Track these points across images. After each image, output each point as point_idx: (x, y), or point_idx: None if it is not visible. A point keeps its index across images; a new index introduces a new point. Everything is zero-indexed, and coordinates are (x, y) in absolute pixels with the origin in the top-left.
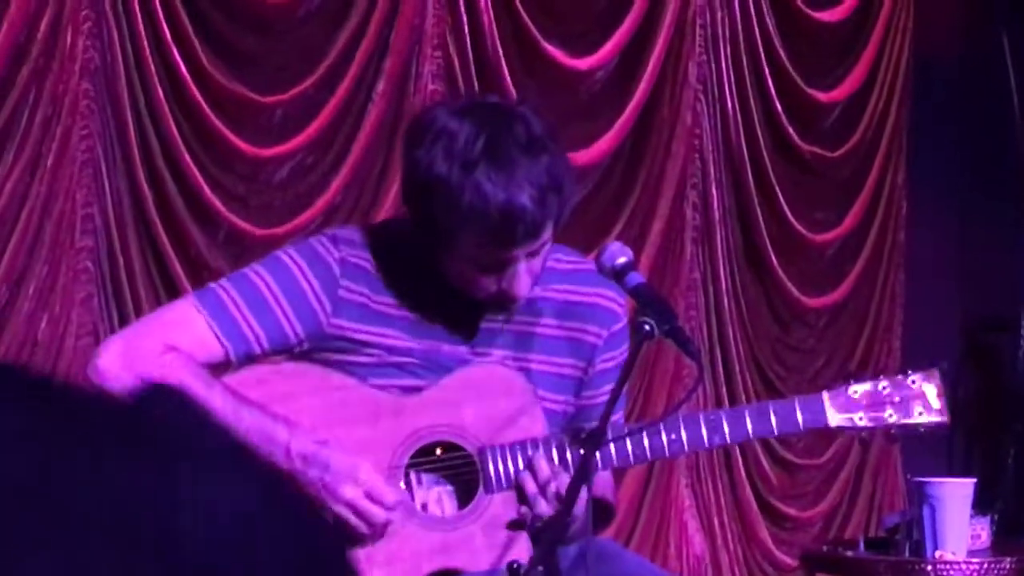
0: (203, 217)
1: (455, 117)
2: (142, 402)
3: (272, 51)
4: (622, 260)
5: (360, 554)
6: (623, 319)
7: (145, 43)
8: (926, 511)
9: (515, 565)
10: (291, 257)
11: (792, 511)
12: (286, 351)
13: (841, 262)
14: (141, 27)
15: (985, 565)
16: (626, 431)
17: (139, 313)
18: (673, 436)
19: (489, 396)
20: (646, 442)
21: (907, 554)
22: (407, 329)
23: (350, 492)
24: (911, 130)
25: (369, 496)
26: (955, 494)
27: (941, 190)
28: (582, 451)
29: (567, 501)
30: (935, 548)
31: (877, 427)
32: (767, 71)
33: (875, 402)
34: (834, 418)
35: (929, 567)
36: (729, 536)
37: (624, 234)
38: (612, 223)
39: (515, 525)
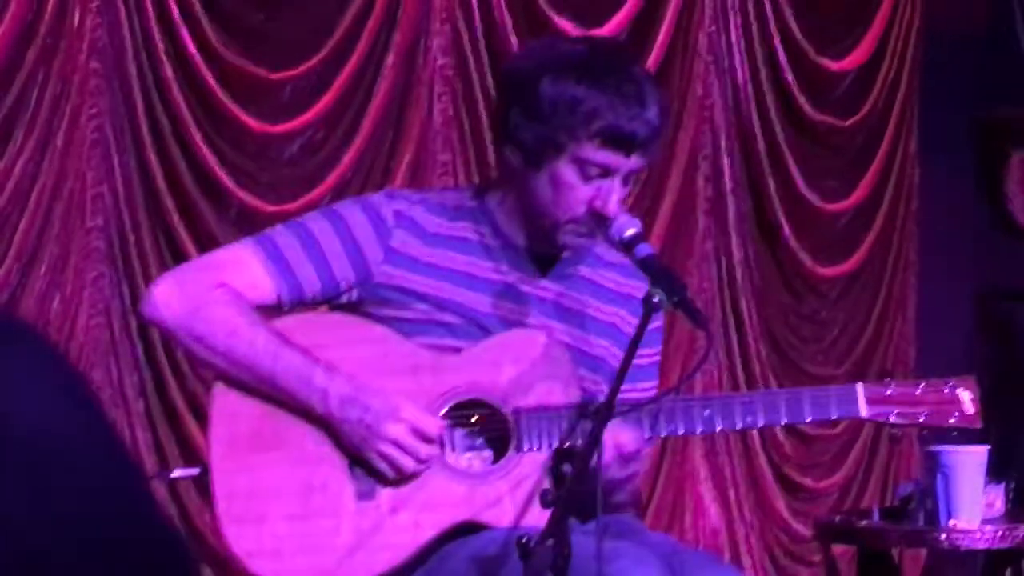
0: (213, 194)
1: (568, 42)
2: (188, 331)
3: (280, 27)
4: (631, 231)
5: (387, 498)
6: (660, 319)
7: (153, 21)
8: (940, 479)
9: (524, 539)
10: (346, 207)
11: (807, 481)
12: (335, 298)
13: (854, 232)
14: (148, 4)
15: (999, 533)
16: (661, 403)
17: None
18: (707, 413)
19: (528, 361)
20: (679, 419)
21: (921, 523)
22: (456, 284)
23: (394, 429)
24: (923, 98)
25: (414, 432)
26: (969, 462)
27: (954, 158)
28: (594, 422)
29: (578, 472)
30: (949, 516)
31: (909, 425)
32: (777, 41)
33: (910, 401)
34: (866, 411)
35: (943, 535)
36: (745, 507)
37: (635, 206)
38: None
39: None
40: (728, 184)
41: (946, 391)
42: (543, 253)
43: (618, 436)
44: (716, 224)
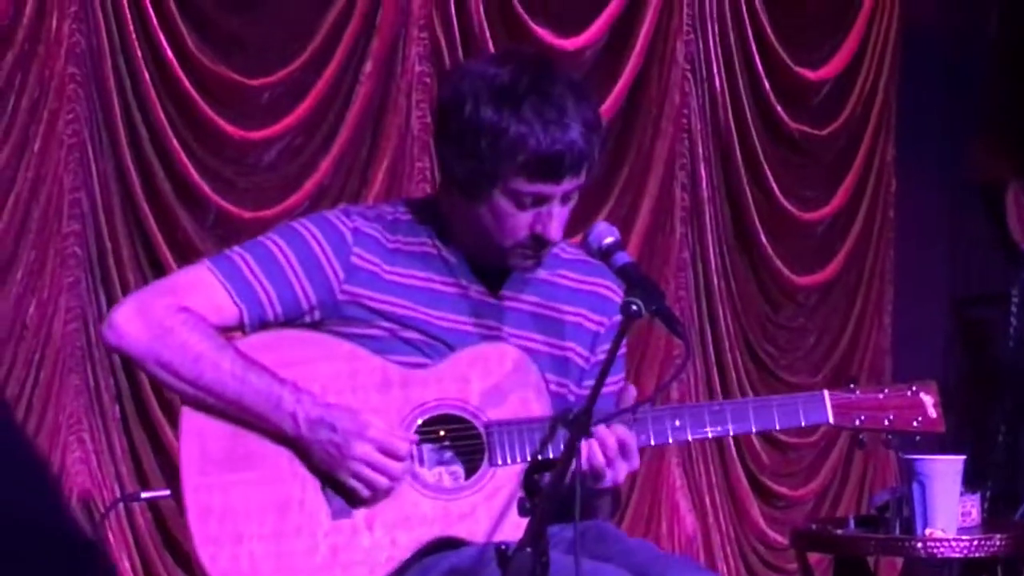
0: (191, 200)
1: (494, 63)
2: (154, 358)
3: (258, 33)
4: (609, 240)
5: (361, 516)
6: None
7: (131, 26)
8: (916, 488)
9: (503, 548)
10: (304, 226)
11: (784, 490)
12: (298, 318)
13: (831, 240)
14: (127, 10)
15: (975, 542)
16: (630, 412)
17: None
18: (677, 423)
19: (497, 373)
20: (650, 427)
21: (897, 532)
22: (418, 302)
23: (362, 448)
24: (900, 107)
25: (382, 450)
26: (945, 471)
27: (931, 166)
28: (571, 432)
29: (554, 480)
30: (925, 525)
31: (875, 430)
32: (755, 49)
33: (875, 407)
34: (833, 417)
35: (919, 544)
36: (721, 515)
37: (612, 214)
38: (601, 203)
39: (519, 501)
40: (705, 192)
41: (909, 395)
42: (498, 264)
43: (616, 432)
44: (693, 232)
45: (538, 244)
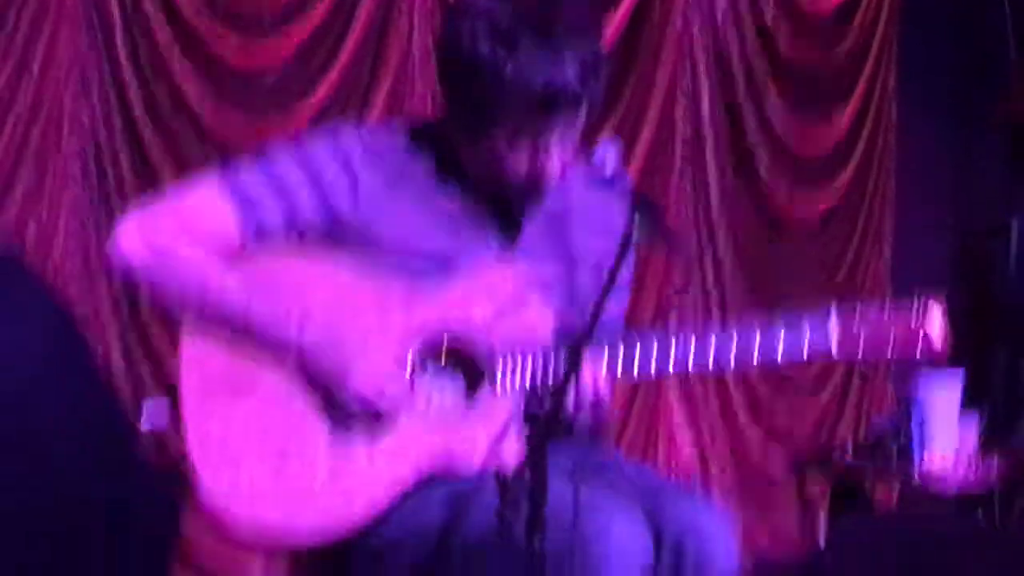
0: (190, 122)
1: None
2: (156, 278)
3: None
4: (611, 160)
5: (361, 445)
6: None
7: None
8: (913, 415)
9: (502, 472)
10: (313, 145)
11: (781, 419)
12: (302, 236)
13: (831, 169)
14: None
15: (972, 466)
16: (634, 340)
17: None
18: (679, 353)
19: (499, 296)
20: (653, 356)
21: (895, 456)
22: (423, 226)
23: (359, 380)
24: (902, 33)
25: (378, 383)
26: (941, 397)
27: (932, 95)
28: (573, 351)
29: (555, 401)
30: (923, 446)
31: (879, 359)
32: None
33: (878, 331)
34: (836, 351)
35: (916, 468)
36: (718, 441)
37: (613, 137)
38: (600, 130)
39: (519, 424)
40: (706, 119)
41: (913, 311)
42: (502, 193)
43: (592, 374)
44: (693, 160)
45: (539, 182)
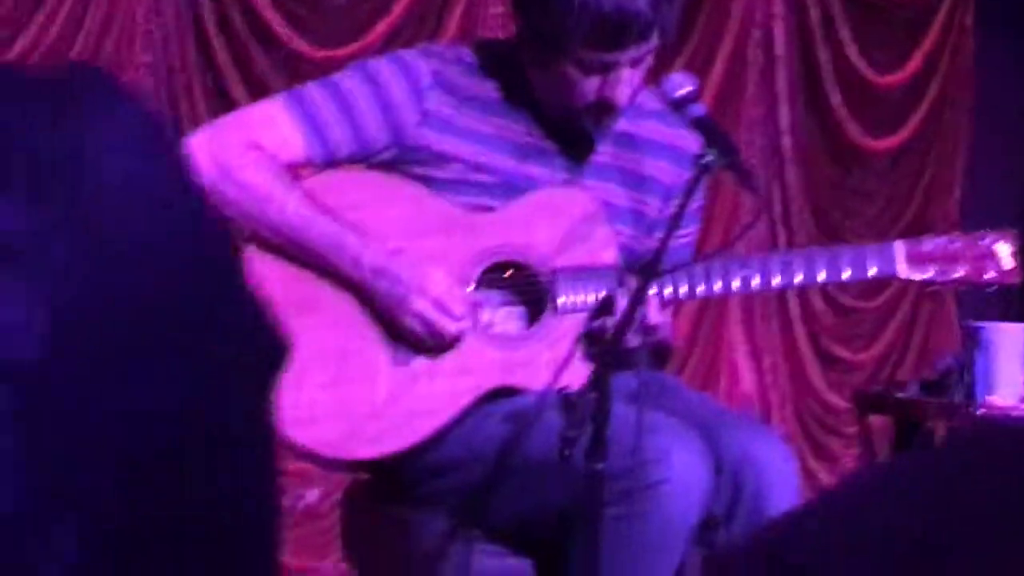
0: (263, 37)
1: None
2: (221, 195)
3: None
4: (686, 90)
5: (422, 365)
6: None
7: None
8: (979, 355)
9: (566, 392)
10: (381, 65)
11: (844, 353)
12: (368, 158)
13: (905, 104)
14: None
15: None
16: (697, 265)
17: None
18: (744, 273)
19: (563, 218)
20: (717, 276)
21: (958, 397)
22: (491, 147)
23: (420, 304)
24: None
25: (439, 307)
26: (1009, 338)
27: (1010, 32)
28: (639, 278)
29: (621, 329)
30: (986, 392)
31: (946, 282)
32: None
33: (947, 257)
34: (904, 270)
35: (980, 411)
36: (780, 375)
37: (686, 67)
38: (673, 57)
39: (580, 346)
40: (779, 52)
41: (984, 244)
42: (572, 120)
43: (657, 301)
44: (765, 92)
45: (607, 108)
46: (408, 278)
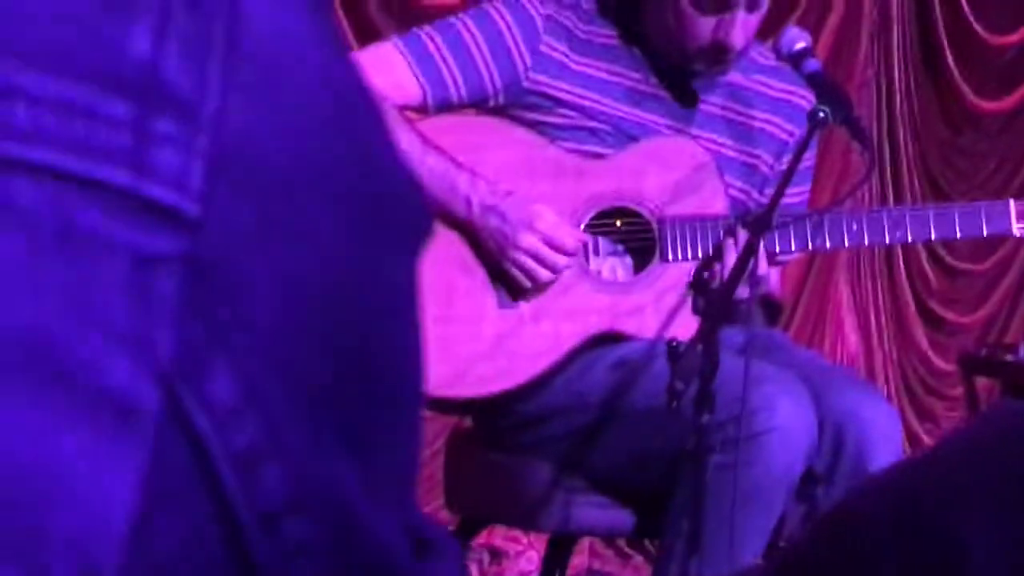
0: None
1: None
2: None
3: None
4: (800, 45)
5: (528, 307)
6: (814, 153)
7: None
8: None
9: (674, 343)
10: (496, 9)
11: (950, 315)
12: (482, 102)
13: (1019, 67)
14: None
15: None
16: (807, 218)
17: None
18: (855, 227)
19: (674, 168)
20: (827, 230)
21: None
22: (604, 93)
23: (529, 239)
24: None
25: (549, 243)
26: None
27: None
28: (750, 232)
29: (731, 281)
30: None
31: None
32: None
33: None
34: (1018, 228)
35: None
36: (885, 336)
37: (799, 23)
38: (787, 14)
39: (688, 297)
40: (894, 9)
41: None
42: (687, 65)
43: (767, 255)
44: (879, 50)
45: (721, 50)
46: (517, 215)
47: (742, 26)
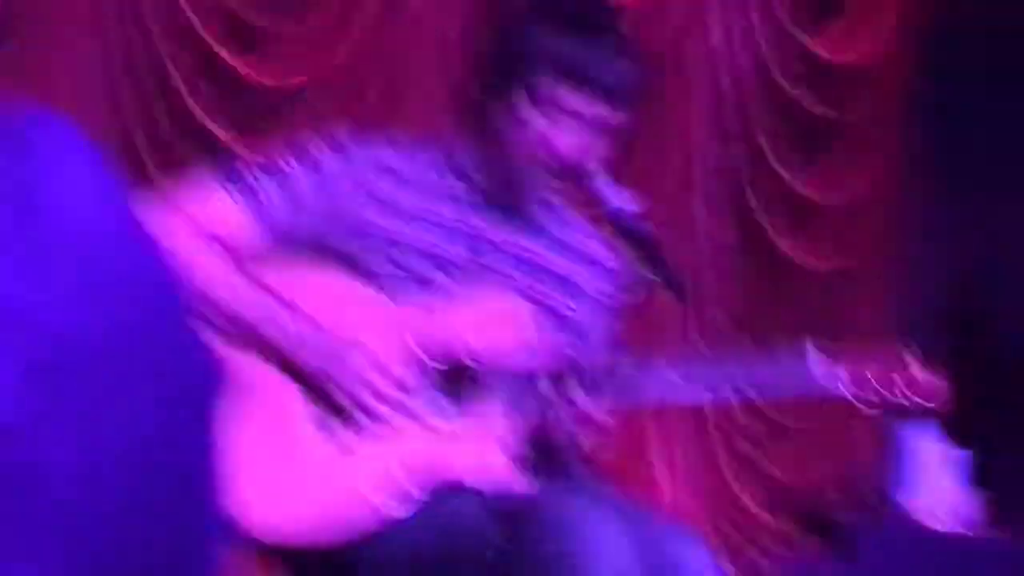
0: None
1: None
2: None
3: None
4: (622, 197)
5: (351, 443)
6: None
7: None
8: (899, 456)
9: (492, 496)
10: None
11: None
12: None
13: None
14: None
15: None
16: (622, 369)
17: None
18: (672, 379)
19: (495, 319)
20: (648, 383)
21: (879, 504)
22: (424, 233)
23: (355, 385)
24: None
25: (374, 389)
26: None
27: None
28: (569, 382)
29: (542, 422)
30: (909, 496)
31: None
32: None
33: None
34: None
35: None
36: (695, 482)
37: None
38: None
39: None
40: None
41: (901, 367)
42: (510, 203)
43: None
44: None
45: (561, 171)
46: (340, 358)
47: (583, 143)
